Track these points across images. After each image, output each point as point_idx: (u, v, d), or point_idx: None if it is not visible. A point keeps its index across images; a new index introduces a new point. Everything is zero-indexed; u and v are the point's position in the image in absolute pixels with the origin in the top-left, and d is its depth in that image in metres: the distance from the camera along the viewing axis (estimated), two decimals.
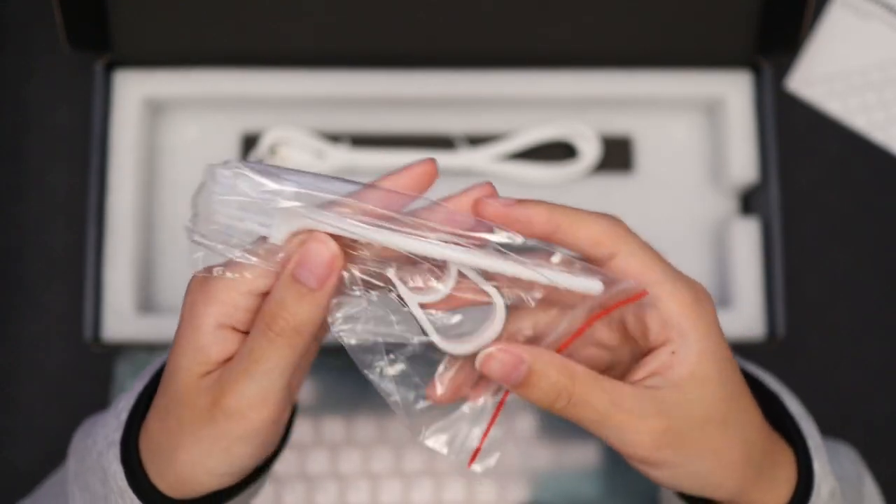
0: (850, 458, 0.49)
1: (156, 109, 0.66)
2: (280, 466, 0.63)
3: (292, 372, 0.35)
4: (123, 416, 0.38)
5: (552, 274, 0.34)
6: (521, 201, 0.35)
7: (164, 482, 0.37)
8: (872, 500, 0.48)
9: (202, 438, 0.35)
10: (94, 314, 0.61)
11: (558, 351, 0.36)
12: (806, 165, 0.67)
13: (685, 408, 0.35)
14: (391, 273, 0.34)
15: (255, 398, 0.34)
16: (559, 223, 0.35)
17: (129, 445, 0.37)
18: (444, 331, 0.35)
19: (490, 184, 0.35)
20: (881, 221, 0.67)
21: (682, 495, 0.41)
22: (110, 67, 0.63)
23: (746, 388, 0.38)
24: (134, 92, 0.63)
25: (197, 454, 0.35)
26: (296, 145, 0.65)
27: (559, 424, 0.63)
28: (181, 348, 0.35)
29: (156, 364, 0.40)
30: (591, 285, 0.35)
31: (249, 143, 0.66)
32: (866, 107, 0.68)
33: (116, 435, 0.37)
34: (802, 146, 0.67)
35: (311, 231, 0.33)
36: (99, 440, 0.39)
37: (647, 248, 0.36)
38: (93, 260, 0.61)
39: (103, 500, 0.38)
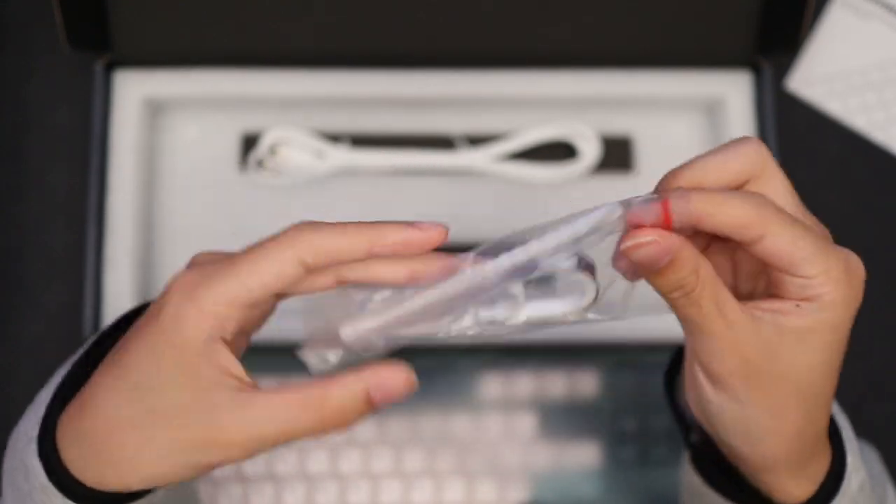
0: (876, 459, 0.49)
1: (156, 109, 0.66)
2: (280, 466, 0.63)
3: None
4: (42, 409, 0.38)
5: (569, 229, 0.34)
6: (677, 203, 0.34)
7: (110, 473, 0.36)
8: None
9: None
10: (94, 314, 0.61)
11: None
12: (806, 165, 0.67)
13: (776, 357, 0.35)
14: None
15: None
16: (700, 214, 0.34)
17: (47, 440, 0.37)
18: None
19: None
20: (881, 221, 0.67)
21: (711, 482, 0.41)
22: (110, 67, 0.63)
23: (834, 378, 0.37)
24: (134, 92, 0.63)
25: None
26: (296, 145, 0.65)
27: (559, 424, 0.64)
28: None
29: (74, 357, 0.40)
30: (609, 209, 0.34)
31: (249, 143, 0.66)
32: (866, 107, 0.68)
33: (34, 431, 0.37)
34: (802, 146, 0.67)
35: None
36: (21, 436, 0.38)
37: (795, 223, 0.34)
38: (93, 260, 0.61)
39: (28, 497, 0.37)
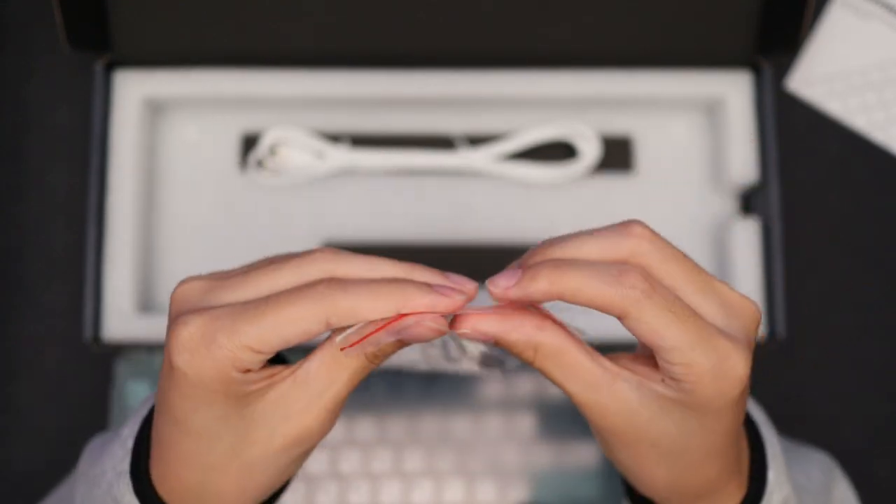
0: (821, 467, 0.49)
1: (156, 109, 0.66)
2: None
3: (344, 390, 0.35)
4: (129, 443, 0.37)
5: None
6: (519, 282, 0.34)
7: None
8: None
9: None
10: (94, 314, 0.61)
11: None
12: (806, 166, 0.67)
13: (634, 417, 0.35)
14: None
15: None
16: (562, 292, 0.33)
17: (140, 475, 0.37)
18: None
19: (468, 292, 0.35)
20: (881, 221, 0.67)
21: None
22: (110, 67, 0.63)
23: (714, 446, 0.37)
24: (134, 92, 0.63)
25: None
26: (296, 145, 0.65)
27: (559, 424, 0.64)
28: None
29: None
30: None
31: (249, 143, 0.66)
32: (866, 107, 0.68)
33: (124, 465, 0.37)
34: (802, 146, 0.67)
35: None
36: (108, 470, 0.38)
37: (665, 310, 0.33)
38: (93, 260, 0.61)
39: None
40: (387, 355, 0.35)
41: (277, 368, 0.35)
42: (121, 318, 0.61)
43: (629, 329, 0.34)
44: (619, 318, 0.34)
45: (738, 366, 0.34)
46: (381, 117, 0.66)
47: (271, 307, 0.33)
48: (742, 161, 0.64)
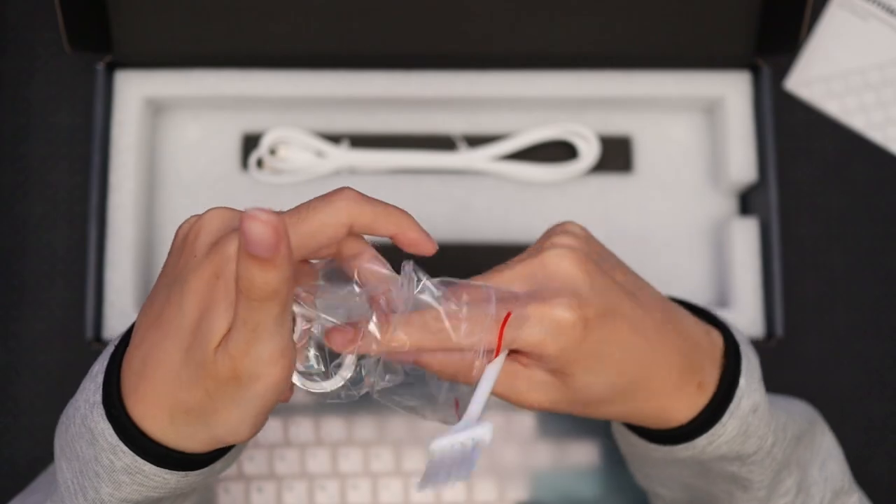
0: (804, 412, 0.51)
1: (157, 110, 0.66)
2: (280, 466, 0.63)
3: (289, 320, 0.36)
4: (100, 378, 0.39)
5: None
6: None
7: (188, 440, 0.38)
8: (826, 450, 0.49)
9: (236, 401, 0.36)
10: (95, 313, 0.61)
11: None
12: (804, 165, 0.67)
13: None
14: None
15: (269, 356, 0.35)
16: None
17: (113, 404, 0.38)
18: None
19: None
20: (879, 221, 0.67)
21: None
22: (111, 68, 0.64)
23: (661, 310, 0.41)
24: (135, 92, 0.64)
25: (234, 415, 0.37)
26: (296, 145, 0.65)
27: (559, 424, 0.64)
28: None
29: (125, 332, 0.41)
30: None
31: (249, 143, 0.66)
32: (864, 107, 0.68)
33: (97, 396, 0.38)
34: (801, 146, 0.68)
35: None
36: (81, 405, 0.39)
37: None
38: (94, 259, 0.61)
39: (94, 462, 0.38)
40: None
41: None
42: (122, 318, 0.61)
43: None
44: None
45: (556, 315, 0.38)
46: (380, 117, 0.66)
47: (301, 211, 0.37)
48: (741, 161, 0.64)
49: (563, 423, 0.64)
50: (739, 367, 0.42)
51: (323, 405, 0.63)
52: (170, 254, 0.39)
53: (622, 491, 0.63)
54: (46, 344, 0.65)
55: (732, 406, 0.42)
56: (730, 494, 0.47)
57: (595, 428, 0.64)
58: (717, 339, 0.43)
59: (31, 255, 0.65)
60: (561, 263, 0.39)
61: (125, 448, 0.37)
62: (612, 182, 0.67)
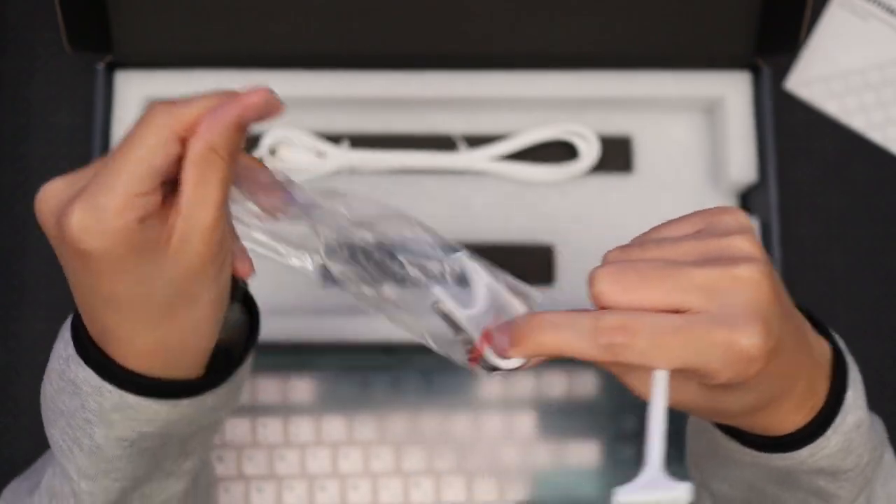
0: (880, 423, 0.50)
1: None
2: (280, 466, 0.63)
3: (221, 208, 0.36)
4: (67, 333, 0.39)
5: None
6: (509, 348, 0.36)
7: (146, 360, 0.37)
8: (888, 467, 0.48)
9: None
10: None
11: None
12: (804, 165, 0.67)
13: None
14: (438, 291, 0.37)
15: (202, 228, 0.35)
16: (548, 352, 0.35)
17: (88, 353, 0.38)
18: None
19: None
20: (879, 221, 0.67)
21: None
22: (111, 68, 0.64)
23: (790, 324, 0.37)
24: (135, 92, 0.64)
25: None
26: (296, 145, 0.65)
27: (559, 424, 0.64)
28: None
29: None
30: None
31: (249, 143, 0.66)
32: (864, 107, 0.68)
33: (69, 350, 0.38)
34: (801, 146, 0.68)
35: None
36: (54, 366, 0.39)
37: (646, 349, 0.34)
38: None
39: (81, 409, 0.38)
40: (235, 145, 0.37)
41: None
42: None
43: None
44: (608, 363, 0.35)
45: (743, 346, 0.33)
46: (380, 117, 0.66)
47: (121, 150, 0.35)
48: (741, 161, 0.64)
49: (564, 423, 0.64)
50: (847, 381, 0.40)
51: (323, 405, 0.63)
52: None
53: None
54: (46, 344, 0.64)
55: (838, 420, 0.40)
56: (803, 503, 0.45)
57: (595, 428, 0.64)
58: (826, 350, 0.41)
59: (31, 255, 0.65)
60: (761, 285, 0.34)
61: (110, 386, 0.37)
62: (612, 182, 0.67)
